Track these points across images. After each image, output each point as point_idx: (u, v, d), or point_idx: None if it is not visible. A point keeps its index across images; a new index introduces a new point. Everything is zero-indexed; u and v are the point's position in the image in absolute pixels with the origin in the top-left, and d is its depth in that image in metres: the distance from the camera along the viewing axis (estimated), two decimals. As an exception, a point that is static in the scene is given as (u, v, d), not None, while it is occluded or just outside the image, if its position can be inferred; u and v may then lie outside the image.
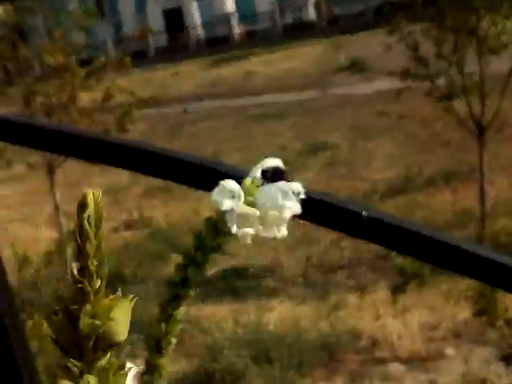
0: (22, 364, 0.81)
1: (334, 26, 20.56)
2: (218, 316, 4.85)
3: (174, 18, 24.37)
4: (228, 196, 0.35)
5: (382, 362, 4.03)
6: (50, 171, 6.39)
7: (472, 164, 6.80)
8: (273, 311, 4.84)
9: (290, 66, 15.37)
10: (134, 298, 0.32)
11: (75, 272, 0.30)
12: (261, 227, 0.35)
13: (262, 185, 0.36)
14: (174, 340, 0.40)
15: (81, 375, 0.30)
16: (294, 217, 0.34)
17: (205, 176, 0.63)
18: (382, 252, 5.54)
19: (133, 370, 0.48)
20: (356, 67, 13.90)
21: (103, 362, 0.31)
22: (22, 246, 5.80)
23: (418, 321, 4.40)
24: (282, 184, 0.36)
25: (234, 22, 23.35)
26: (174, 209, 7.45)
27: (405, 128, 9.44)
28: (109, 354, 0.31)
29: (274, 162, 0.38)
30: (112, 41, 21.29)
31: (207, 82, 15.65)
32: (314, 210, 0.52)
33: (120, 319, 0.31)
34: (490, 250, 0.57)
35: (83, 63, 6.52)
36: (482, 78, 5.74)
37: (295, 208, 0.35)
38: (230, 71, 16.31)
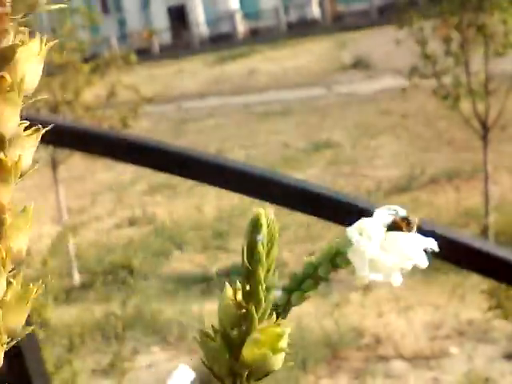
0: (28, 354, 0.81)
1: (338, 23, 20.53)
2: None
3: (178, 15, 24.37)
4: (362, 235, 0.34)
5: (386, 359, 4.03)
6: (54, 167, 6.39)
7: (476, 163, 6.79)
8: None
9: (293, 64, 15.35)
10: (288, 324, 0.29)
11: (239, 295, 0.29)
12: (380, 272, 0.34)
13: (391, 230, 0.34)
14: None
15: None
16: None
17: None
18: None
19: (191, 375, 0.46)
20: (360, 65, 13.88)
21: None
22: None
23: (421, 319, 4.40)
24: (415, 236, 0.34)
25: (238, 19, 23.33)
26: (178, 206, 7.46)
27: (409, 126, 9.43)
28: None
29: (400, 210, 0.36)
30: (116, 37, 21.30)
31: (211, 80, 15.65)
32: (324, 206, 0.51)
33: (284, 348, 0.29)
34: (497, 247, 0.56)
35: (87, 59, 6.52)
36: (487, 76, 5.73)
37: (422, 262, 0.33)
38: (234, 68, 16.30)
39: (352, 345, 4.19)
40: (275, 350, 0.28)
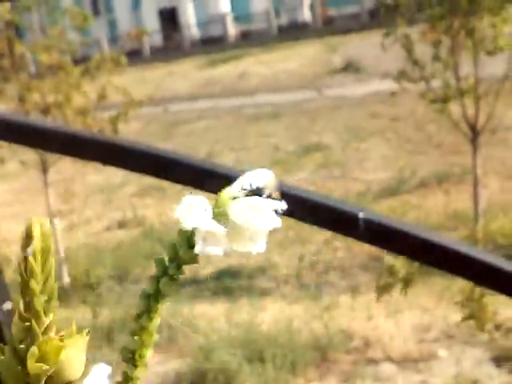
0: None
1: (328, 26, 20.58)
2: (210, 315, 4.85)
3: (169, 18, 24.35)
4: (195, 212, 0.33)
5: (375, 362, 4.04)
6: (44, 169, 6.37)
7: (465, 166, 6.83)
8: (266, 311, 4.84)
9: (284, 67, 15.38)
10: (88, 332, 0.29)
11: (21, 309, 0.28)
12: (234, 243, 0.33)
13: (237, 198, 0.34)
14: (149, 352, 0.38)
15: None
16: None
17: (198, 176, 0.63)
18: (374, 253, 5.55)
19: (107, 369, 0.48)
20: (350, 68, 13.92)
21: None
22: (13, 245, 5.79)
23: (410, 322, 4.41)
24: (254, 199, 0.33)
25: (229, 21, 23.34)
26: (168, 208, 7.44)
27: (398, 130, 9.46)
28: None
29: (262, 174, 0.35)
30: (107, 39, 21.26)
31: (202, 82, 15.64)
32: (312, 211, 0.52)
33: (72, 358, 0.28)
34: (483, 251, 0.57)
35: (77, 61, 6.50)
36: (476, 80, 5.76)
37: (272, 223, 0.33)
38: (225, 71, 16.31)
39: (341, 348, 4.20)
40: (54, 363, 0.27)
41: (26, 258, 0.27)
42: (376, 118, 10.09)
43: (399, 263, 3.64)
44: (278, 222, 0.33)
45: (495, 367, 3.68)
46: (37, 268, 0.27)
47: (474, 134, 5.87)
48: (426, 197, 6.91)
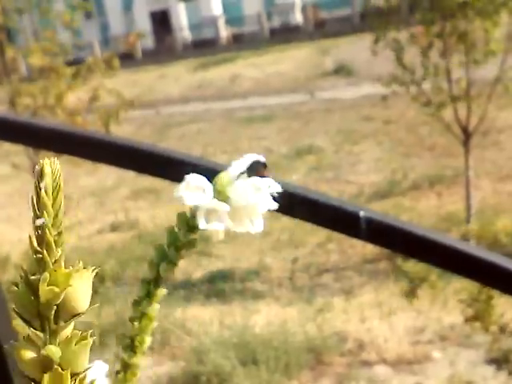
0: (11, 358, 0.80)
1: (320, 29, 20.62)
2: (203, 318, 4.84)
3: (161, 20, 24.34)
4: (196, 191, 0.34)
5: (369, 364, 4.04)
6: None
7: (457, 168, 6.84)
8: (259, 313, 4.83)
9: (276, 70, 15.39)
10: (94, 269, 0.32)
11: (34, 242, 0.31)
12: (233, 222, 0.34)
13: (236, 180, 0.35)
14: (148, 338, 0.39)
15: (43, 345, 0.30)
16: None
17: (185, 171, 0.62)
18: (368, 256, 5.55)
19: (105, 367, 0.49)
20: (342, 71, 13.94)
21: (66, 332, 0.31)
22: (5, 247, 5.76)
23: (404, 324, 4.41)
24: (254, 179, 0.35)
25: (221, 24, 23.35)
26: (161, 211, 7.43)
27: (391, 132, 9.48)
28: (71, 325, 0.31)
29: (254, 158, 0.37)
30: (99, 41, 21.22)
31: (194, 85, 15.64)
32: (312, 210, 0.52)
33: (80, 288, 0.31)
34: (487, 251, 0.57)
35: (70, 64, 6.48)
36: (468, 83, 5.77)
37: (269, 204, 0.34)
38: (217, 74, 16.30)
39: (335, 350, 4.19)
40: (63, 288, 0.30)
41: (38, 194, 0.31)
42: (368, 121, 10.11)
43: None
44: (273, 204, 0.34)
45: (490, 369, 3.68)
46: (48, 202, 0.31)
47: (466, 136, 5.88)
48: (418, 199, 6.92)
